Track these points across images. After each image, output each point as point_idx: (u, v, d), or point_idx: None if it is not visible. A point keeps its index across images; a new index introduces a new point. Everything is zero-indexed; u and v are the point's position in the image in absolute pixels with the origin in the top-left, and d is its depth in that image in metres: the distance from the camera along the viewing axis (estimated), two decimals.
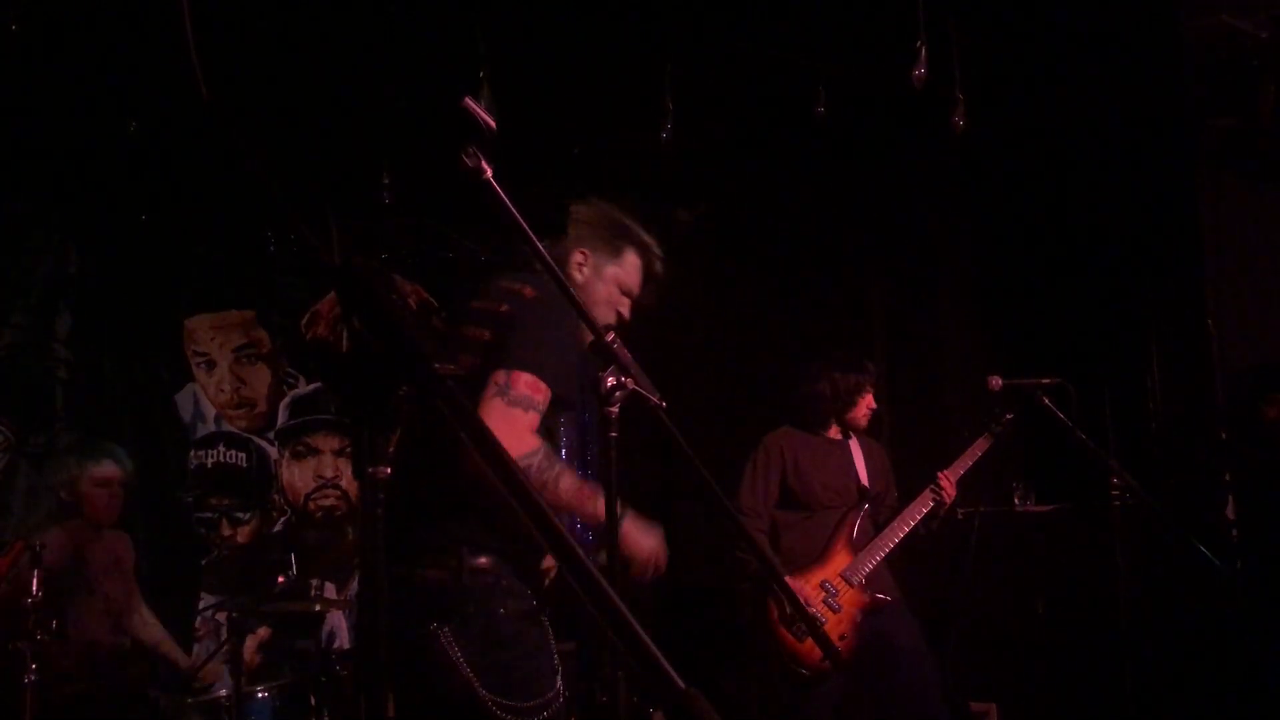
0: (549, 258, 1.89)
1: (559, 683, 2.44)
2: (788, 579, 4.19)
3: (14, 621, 3.71)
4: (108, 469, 4.56)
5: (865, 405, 4.53)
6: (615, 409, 2.14)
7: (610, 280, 2.76)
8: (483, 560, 2.41)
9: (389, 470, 1.27)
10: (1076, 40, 4.63)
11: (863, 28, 4.49)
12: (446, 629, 2.35)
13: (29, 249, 5.27)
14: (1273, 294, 4.75)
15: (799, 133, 4.91)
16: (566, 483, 2.45)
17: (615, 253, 2.77)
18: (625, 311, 2.80)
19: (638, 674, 2.21)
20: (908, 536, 4.35)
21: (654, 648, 1.01)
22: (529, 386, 2.41)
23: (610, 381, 2.12)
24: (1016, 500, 5.23)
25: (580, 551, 1.09)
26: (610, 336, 2.14)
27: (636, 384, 2.13)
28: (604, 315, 2.72)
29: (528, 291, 2.55)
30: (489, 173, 1.84)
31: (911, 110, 4.52)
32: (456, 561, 2.41)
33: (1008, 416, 4.37)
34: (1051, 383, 4.17)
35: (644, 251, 2.81)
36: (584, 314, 2.15)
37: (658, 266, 2.83)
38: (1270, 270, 4.76)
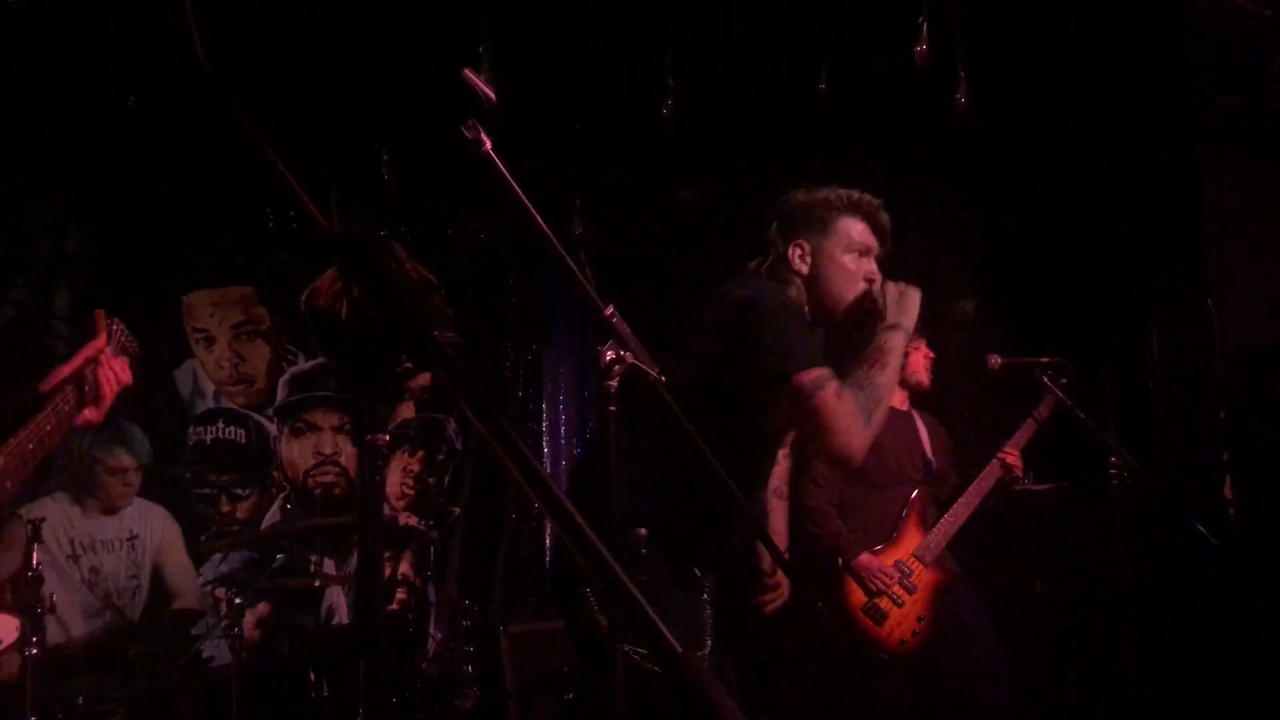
0: (547, 230, 1.88)
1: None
2: (863, 558, 4.18)
3: (13, 596, 3.72)
4: (123, 459, 4.63)
5: (922, 355, 4.48)
6: (614, 383, 2.13)
7: (835, 255, 2.74)
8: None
9: (386, 438, 1.27)
10: (1080, 17, 4.61)
11: (864, 4, 4.46)
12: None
13: (28, 225, 5.25)
14: (1274, 273, 4.74)
15: (801, 111, 4.89)
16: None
17: (824, 228, 2.75)
18: (874, 272, 2.76)
19: (637, 638, 2.24)
20: (975, 513, 4.32)
21: (652, 613, 1.01)
22: (813, 379, 2.50)
23: (609, 355, 2.11)
24: None
25: (581, 520, 1.09)
26: (609, 310, 2.13)
27: (636, 358, 2.13)
28: (850, 289, 2.72)
29: (737, 294, 2.66)
30: (489, 145, 1.83)
31: (913, 87, 4.50)
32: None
33: (1044, 403, 4.31)
34: (1051, 361, 4.18)
35: (854, 209, 2.77)
36: (589, 294, 2.12)
37: (880, 215, 2.78)
38: (1272, 250, 4.75)
